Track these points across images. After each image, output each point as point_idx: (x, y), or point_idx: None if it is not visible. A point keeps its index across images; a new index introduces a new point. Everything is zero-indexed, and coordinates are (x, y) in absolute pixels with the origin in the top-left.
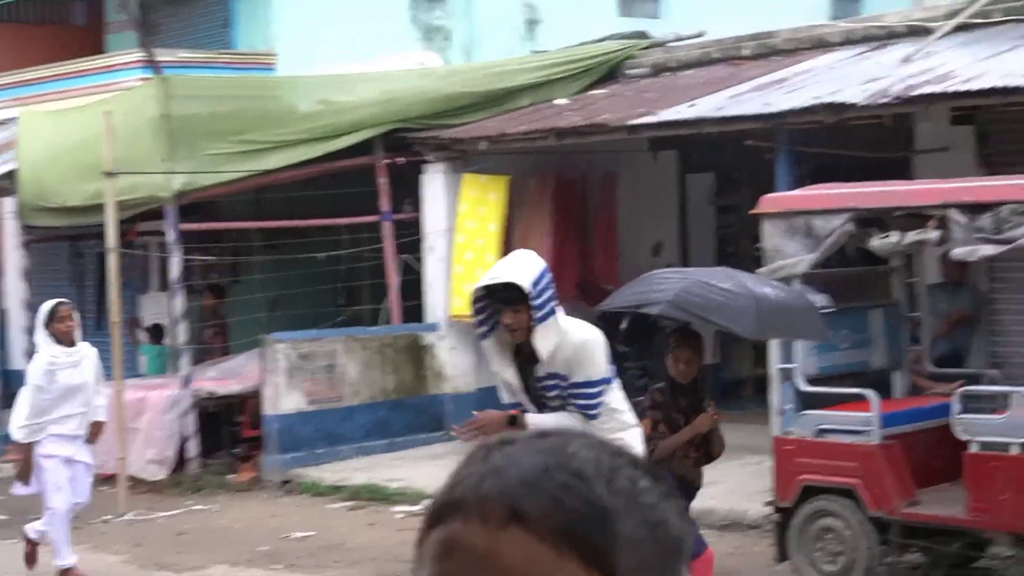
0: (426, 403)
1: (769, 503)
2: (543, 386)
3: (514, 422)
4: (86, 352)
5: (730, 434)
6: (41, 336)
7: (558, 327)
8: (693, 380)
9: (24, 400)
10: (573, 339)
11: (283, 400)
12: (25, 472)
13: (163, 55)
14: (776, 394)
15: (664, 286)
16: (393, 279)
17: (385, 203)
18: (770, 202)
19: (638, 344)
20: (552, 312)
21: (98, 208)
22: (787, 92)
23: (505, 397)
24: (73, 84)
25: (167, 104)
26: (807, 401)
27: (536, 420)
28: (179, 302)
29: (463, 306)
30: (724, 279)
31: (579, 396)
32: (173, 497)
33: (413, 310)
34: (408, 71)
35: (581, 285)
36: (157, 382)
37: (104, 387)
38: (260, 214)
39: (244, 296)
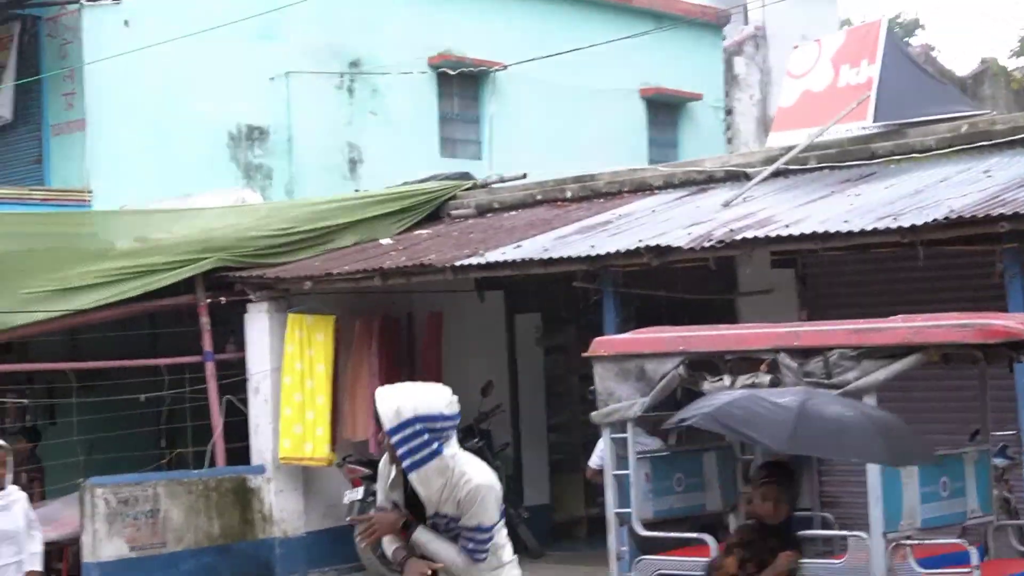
0: (254, 548)
1: None
2: (433, 523)
3: (407, 527)
4: (16, 496)
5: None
6: None
7: (443, 470)
8: (785, 521)
9: None
10: (468, 482)
11: (103, 547)
12: None
13: None
14: (613, 538)
15: (719, 399)
16: (217, 420)
17: (207, 343)
18: (602, 345)
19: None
20: (429, 457)
21: None
22: (612, 234)
23: (381, 498)
24: None
25: None
26: (644, 545)
27: (426, 539)
28: None
29: (292, 449)
30: (788, 395)
31: (469, 539)
32: None
33: (240, 452)
34: (228, 208)
35: None
36: None
37: (37, 532)
38: (76, 354)
39: (60, 439)
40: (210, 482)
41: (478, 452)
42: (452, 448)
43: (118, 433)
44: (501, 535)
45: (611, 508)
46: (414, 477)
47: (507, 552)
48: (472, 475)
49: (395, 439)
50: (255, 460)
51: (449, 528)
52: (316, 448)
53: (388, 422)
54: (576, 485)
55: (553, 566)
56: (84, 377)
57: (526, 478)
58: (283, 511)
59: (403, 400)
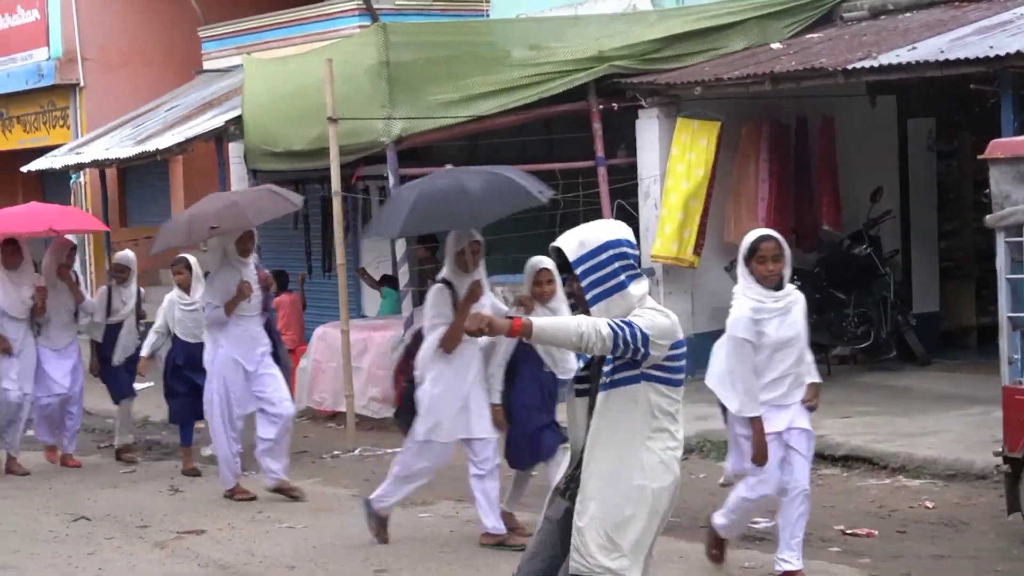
0: None
1: (998, 453)
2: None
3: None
4: (795, 296)
5: (952, 384)
6: (742, 277)
7: (627, 309)
8: None
9: (727, 358)
10: (640, 317)
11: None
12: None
13: (380, 2)
14: (1004, 343)
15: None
16: None
17: (599, 148)
18: (999, 147)
19: (856, 291)
20: (616, 288)
21: (320, 153)
22: (1012, 34)
23: None
24: (293, 32)
25: (386, 51)
26: None
27: (544, 323)
28: (401, 245)
29: (661, 247)
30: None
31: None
32: (398, 434)
33: None
34: (619, 16)
35: (796, 231)
36: (380, 323)
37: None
38: (475, 159)
39: None
40: None
41: (866, 259)
42: (641, 288)
43: (515, 235)
44: (649, 320)
45: (1004, 312)
46: (594, 310)
47: (678, 425)
48: (649, 313)
49: (580, 270)
50: (645, 263)
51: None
52: (682, 248)
53: (572, 254)
54: (967, 292)
55: (941, 373)
56: None
57: (915, 285)
58: (672, 312)
59: (586, 232)
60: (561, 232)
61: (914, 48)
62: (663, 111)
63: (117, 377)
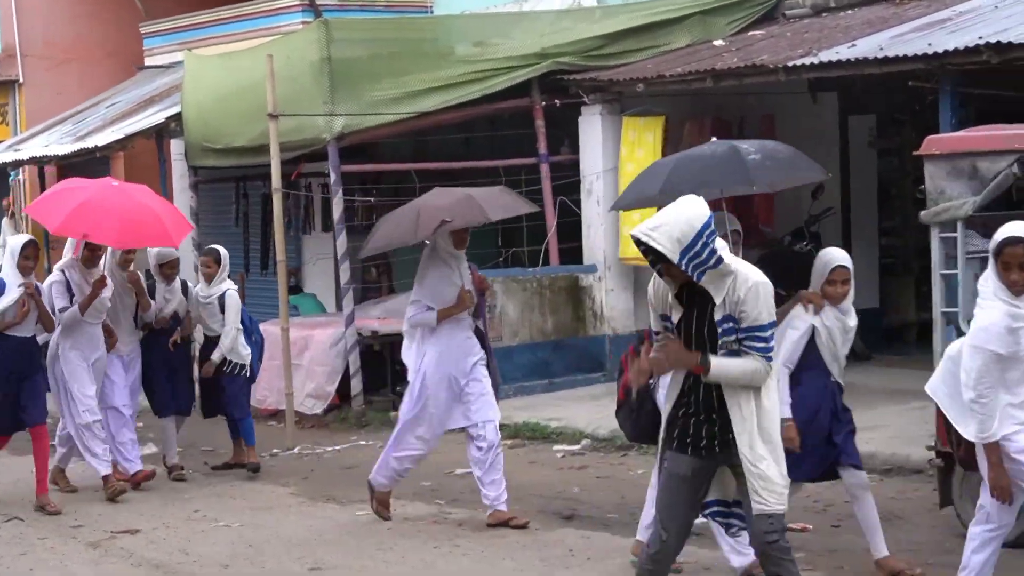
0: (585, 344)
1: (931, 448)
2: (722, 329)
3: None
4: None
5: (893, 379)
6: (989, 279)
7: (725, 272)
8: None
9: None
10: (747, 280)
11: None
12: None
13: None
14: (939, 338)
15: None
16: (551, 221)
17: (543, 145)
18: (935, 143)
19: (797, 287)
20: (716, 263)
21: (262, 149)
22: (951, 32)
23: (654, 324)
24: (236, 28)
25: (328, 47)
26: None
27: (720, 366)
28: (342, 242)
29: (630, 251)
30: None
31: (755, 341)
32: (338, 432)
33: (573, 252)
34: (563, 12)
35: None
36: (322, 320)
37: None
38: (419, 156)
39: None
40: (544, 280)
41: (807, 255)
42: (726, 253)
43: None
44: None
45: (938, 308)
46: (705, 280)
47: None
48: (749, 273)
49: (687, 257)
50: (587, 260)
51: (735, 333)
52: None
53: (679, 248)
54: (907, 289)
55: (881, 369)
56: (427, 177)
57: (856, 281)
58: (613, 309)
59: (677, 220)
60: (505, 230)
61: (854, 45)
62: (606, 108)
63: (161, 387)
